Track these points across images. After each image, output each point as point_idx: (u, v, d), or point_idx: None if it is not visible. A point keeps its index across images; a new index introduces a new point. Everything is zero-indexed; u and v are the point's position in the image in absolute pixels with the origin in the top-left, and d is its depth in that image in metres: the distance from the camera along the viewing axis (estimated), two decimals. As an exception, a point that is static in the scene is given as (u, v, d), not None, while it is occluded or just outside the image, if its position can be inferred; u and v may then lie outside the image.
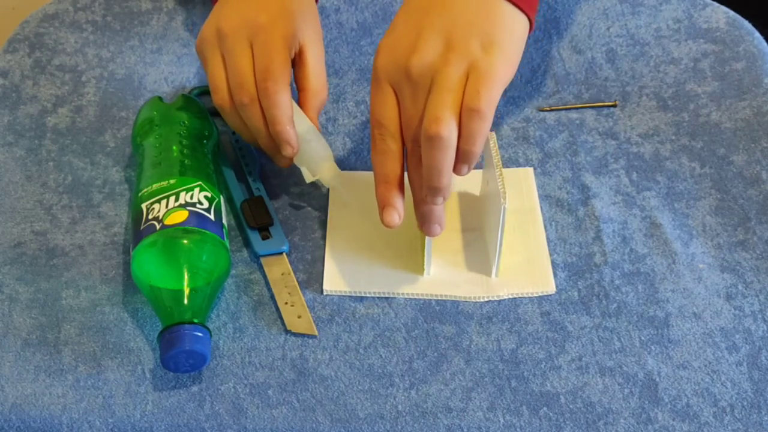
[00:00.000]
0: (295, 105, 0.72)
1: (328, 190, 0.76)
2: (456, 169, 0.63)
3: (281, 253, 0.70)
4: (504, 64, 0.63)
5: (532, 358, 0.64)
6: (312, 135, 0.72)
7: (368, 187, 0.72)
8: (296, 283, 0.69)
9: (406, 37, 0.64)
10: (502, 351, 0.65)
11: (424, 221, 0.65)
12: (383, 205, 0.65)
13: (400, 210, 0.65)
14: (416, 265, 0.70)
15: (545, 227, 0.72)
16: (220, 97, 0.72)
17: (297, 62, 0.74)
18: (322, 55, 0.75)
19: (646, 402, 0.62)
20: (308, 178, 0.72)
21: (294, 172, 0.77)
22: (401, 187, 0.65)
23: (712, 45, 0.85)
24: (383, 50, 0.65)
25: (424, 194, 0.63)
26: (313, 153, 0.72)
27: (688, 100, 0.81)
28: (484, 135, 0.61)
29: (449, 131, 0.60)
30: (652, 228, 0.72)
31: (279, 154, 0.72)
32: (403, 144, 0.64)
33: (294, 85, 0.75)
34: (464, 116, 0.61)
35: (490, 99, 0.61)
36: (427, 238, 0.66)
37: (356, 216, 0.73)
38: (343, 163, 0.78)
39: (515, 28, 0.65)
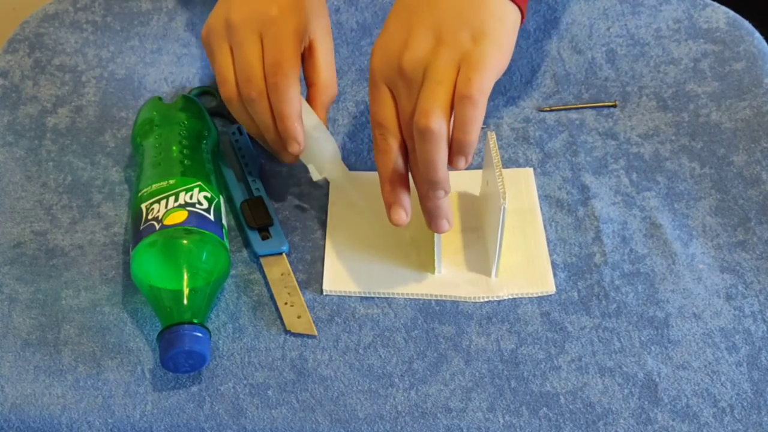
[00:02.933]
0: (303, 101, 0.71)
1: (328, 189, 0.76)
2: (452, 162, 0.62)
3: (281, 254, 0.70)
4: (495, 52, 0.63)
5: (532, 359, 0.64)
6: (320, 132, 0.71)
7: (368, 188, 0.72)
8: (296, 283, 0.69)
9: (397, 36, 0.65)
10: (502, 351, 0.65)
11: (431, 218, 0.65)
12: (389, 204, 0.65)
13: (407, 208, 0.65)
14: (419, 265, 0.70)
15: (545, 227, 0.72)
16: (228, 89, 0.70)
17: (306, 57, 0.73)
18: (332, 50, 0.74)
19: (646, 402, 0.62)
20: (315, 176, 0.71)
21: (294, 172, 0.77)
22: (406, 185, 0.65)
23: (712, 45, 0.85)
24: (377, 51, 0.65)
25: (425, 190, 0.63)
26: (320, 150, 0.71)
27: (688, 100, 0.81)
28: (477, 123, 0.61)
29: (438, 123, 0.60)
30: (651, 228, 0.72)
31: (285, 151, 0.71)
32: (405, 142, 0.64)
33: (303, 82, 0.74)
34: (457, 104, 0.61)
35: (482, 86, 0.61)
36: (436, 235, 0.66)
37: (356, 216, 0.73)
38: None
39: (505, 18, 0.65)
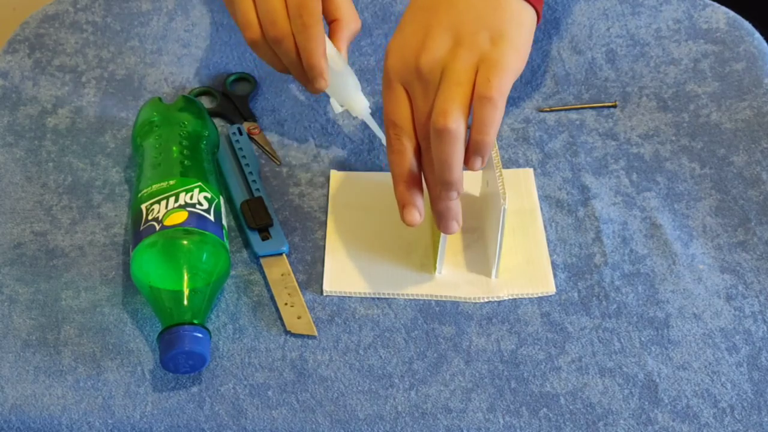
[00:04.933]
0: (325, 37, 0.72)
1: (328, 191, 0.76)
2: (469, 163, 0.62)
3: (281, 254, 0.70)
4: (513, 54, 0.63)
5: (532, 359, 0.64)
6: (342, 67, 0.72)
7: (368, 188, 0.72)
8: (296, 283, 0.69)
9: (414, 36, 0.65)
10: (502, 352, 0.65)
11: (441, 219, 0.65)
12: (403, 205, 0.65)
13: (420, 208, 0.65)
14: (419, 265, 0.70)
15: (545, 228, 0.72)
16: (252, 32, 0.71)
17: None
18: None
19: (646, 403, 0.62)
20: (337, 108, 0.73)
21: (294, 172, 0.77)
22: (419, 186, 0.65)
23: (712, 45, 0.85)
24: (393, 51, 0.66)
25: (438, 190, 0.63)
26: (343, 84, 0.72)
27: (688, 100, 0.81)
28: (496, 124, 0.61)
29: (456, 124, 0.60)
30: (652, 229, 0.72)
31: (310, 84, 0.72)
32: (419, 143, 0.64)
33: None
34: (476, 105, 0.61)
35: (501, 87, 0.61)
36: (442, 236, 0.66)
37: (356, 216, 0.73)
38: (343, 164, 0.78)
39: (523, 19, 0.65)
